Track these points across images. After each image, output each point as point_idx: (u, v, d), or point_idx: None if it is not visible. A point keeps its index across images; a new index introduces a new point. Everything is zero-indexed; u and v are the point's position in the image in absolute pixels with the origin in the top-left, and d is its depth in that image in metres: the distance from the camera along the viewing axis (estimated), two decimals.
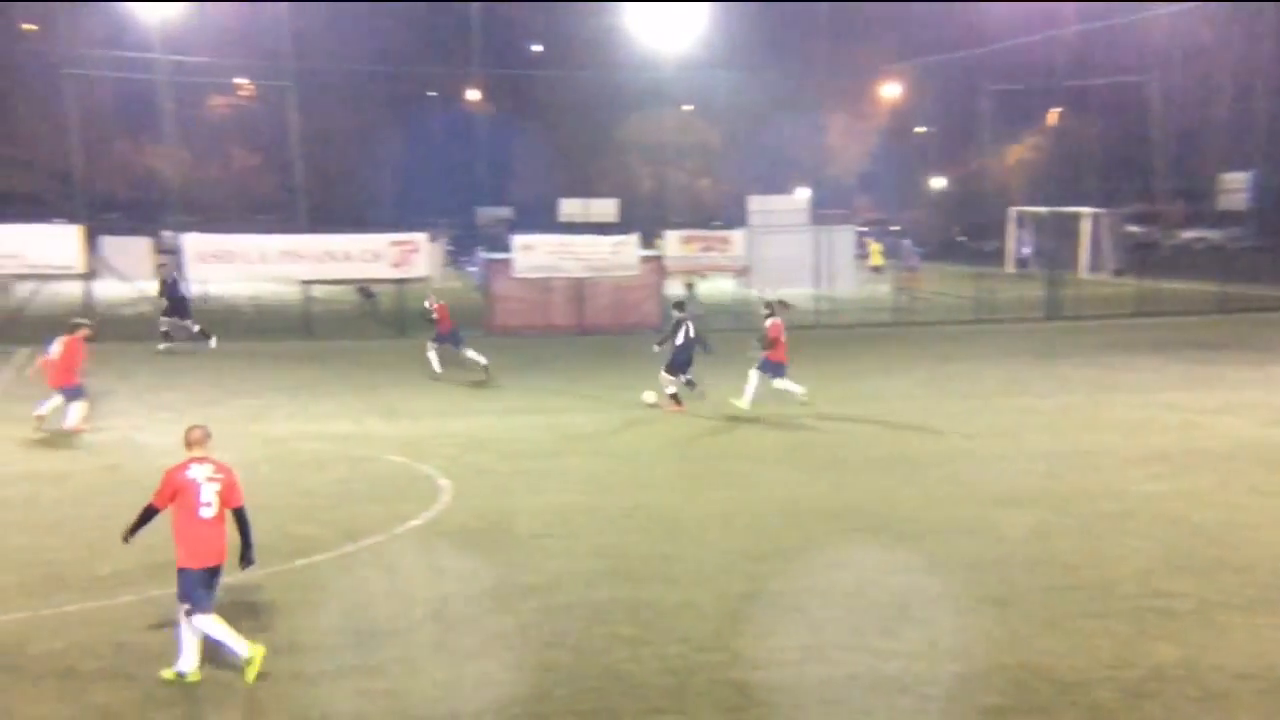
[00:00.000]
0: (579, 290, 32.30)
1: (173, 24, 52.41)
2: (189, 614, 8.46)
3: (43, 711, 8.08)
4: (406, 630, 9.54)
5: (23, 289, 36.65)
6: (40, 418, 17.33)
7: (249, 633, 8.99)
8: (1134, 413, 19.04)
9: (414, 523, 12.74)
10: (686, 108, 70.93)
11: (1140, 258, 44.97)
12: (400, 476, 14.97)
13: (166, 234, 38.10)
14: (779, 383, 19.49)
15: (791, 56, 67.19)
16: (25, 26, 59.84)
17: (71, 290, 32.78)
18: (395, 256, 32.18)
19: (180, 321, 27.84)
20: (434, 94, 73.27)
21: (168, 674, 8.54)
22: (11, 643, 9.23)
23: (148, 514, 8.65)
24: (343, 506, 13.45)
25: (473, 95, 74.49)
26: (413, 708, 8.19)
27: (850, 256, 42.50)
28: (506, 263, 32.64)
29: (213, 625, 8.51)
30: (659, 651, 9.04)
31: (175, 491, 8.50)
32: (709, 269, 45.22)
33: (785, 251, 38.72)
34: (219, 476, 8.64)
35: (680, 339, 19.56)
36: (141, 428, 18.12)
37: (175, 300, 28.11)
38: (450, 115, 73.32)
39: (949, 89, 68.00)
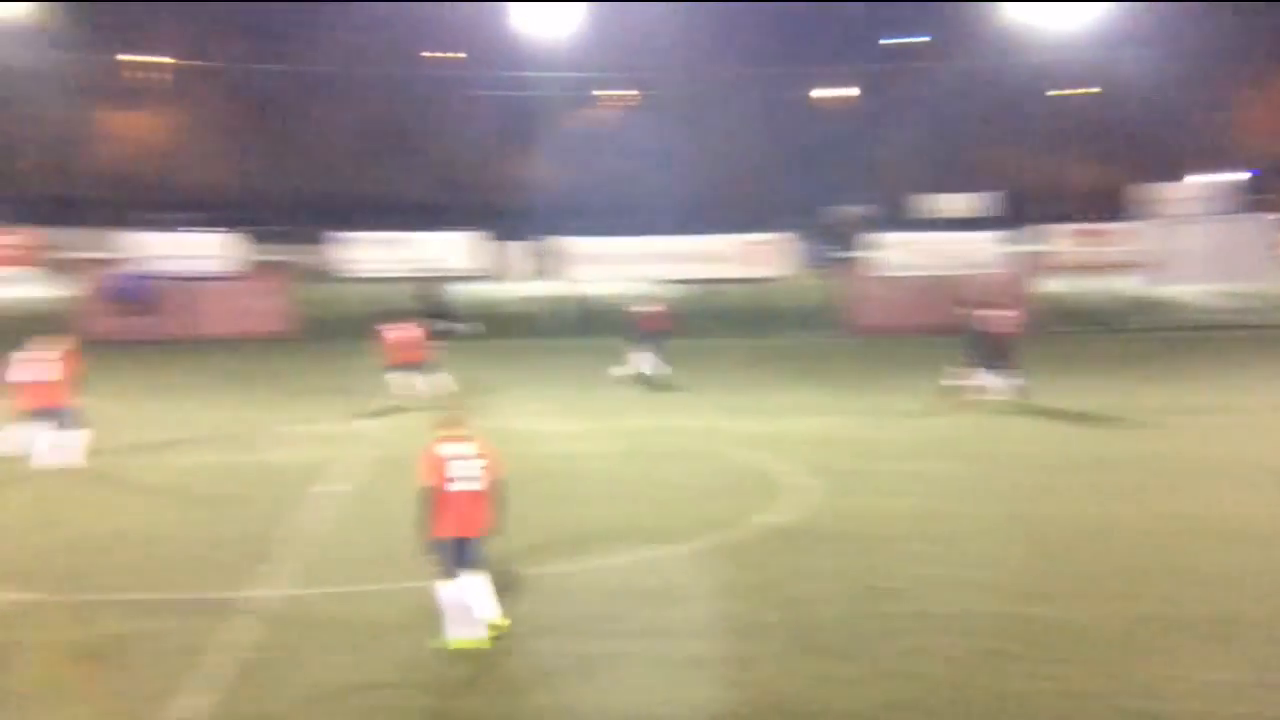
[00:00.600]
0: (943, 289, 31.19)
1: (553, 39, 56.19)
2: (445, 580, 8.96)
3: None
4: (767, 626, 9.57)
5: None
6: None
7: (601, 619, 9.34)
8: None
9: (769, 519, 12.81)
10: (1087, 90, 66.07)
11: None
12: (755, 472, 15.09)
13: (540, 239, 40.83)
14: None
15: (1197, 31, 60.99)
16: (434, 55, 66.43)
17: (469, 291, 35.82)
18: (752, 256, 32.57)
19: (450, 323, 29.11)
20: (794, 92, 73.28)
21: (438, 643, 9.01)
22: (419, 607, 10.06)
23: (425, 495, 9.09)
24: (698, 500, 13.70)
25: (834, 91, 73.92)
26: (785, 702, 8.18)
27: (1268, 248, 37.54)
28: (867, 261, 32.14)
29: (469, 591, 8.98)
30: (1043, 671, 8.51)
31: (432, 468, 8.98)
32: (1105, 265, 41.65)
33: (1197, 243, 34.28)
34: (476, 454, 9.06)
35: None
36: (528, 415, 19.41)
37: (439, 304, 29.70)
38: (810, 111, 73.19)
39: None
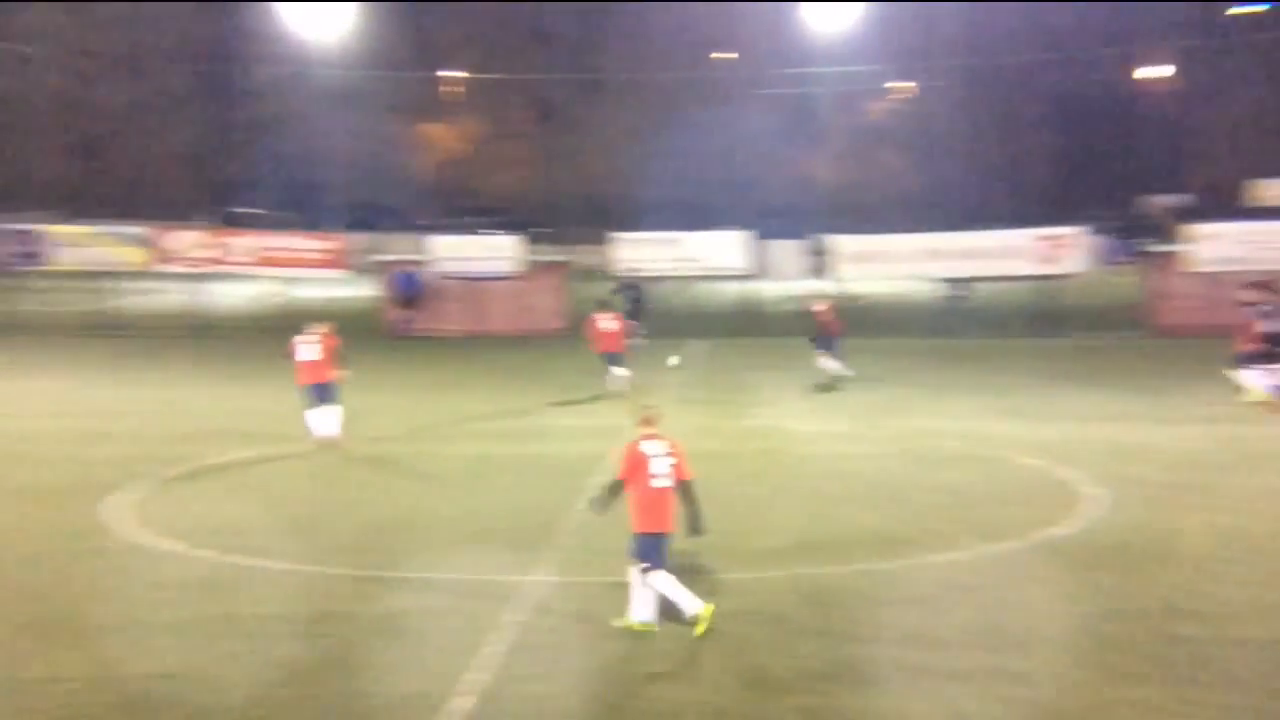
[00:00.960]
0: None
1: (836, 35, 55.39)
2: (645, 572, 9.07)
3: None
4: (1051, 641, 8.97)
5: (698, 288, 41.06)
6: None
7: (865, 623, 9.08)
8: None
9: (1057, 530, 12.00)
10: None
11: None
12: (1038, 480, 14.27)
13: (812, 238, 40.34)
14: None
15: None
16: (718, 56, 67.04)
17: (736, 289, 35.99)
18: (1044, 252, 30.84)
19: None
20: (1101, 76, 68.12)
21: (620, 622, 9.20)
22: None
23: (615, 488, 9.26)
24: (978, 506, 13.11)
25: (1149, 71, 68.22)
26: None
27: None
28: (1176, 255, 29.68)
29: (667, 583, 9.12)
30: None
31: (634, 465, 9.12)
32: None
33: None
34: (670, 452, 9.22)
35: None
36: (790, 415, 19.27)
37: (634, 305, 29.24)
38: (1119, 97, 68.03)
39: None
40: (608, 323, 21.55)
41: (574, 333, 30.33)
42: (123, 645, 9.02)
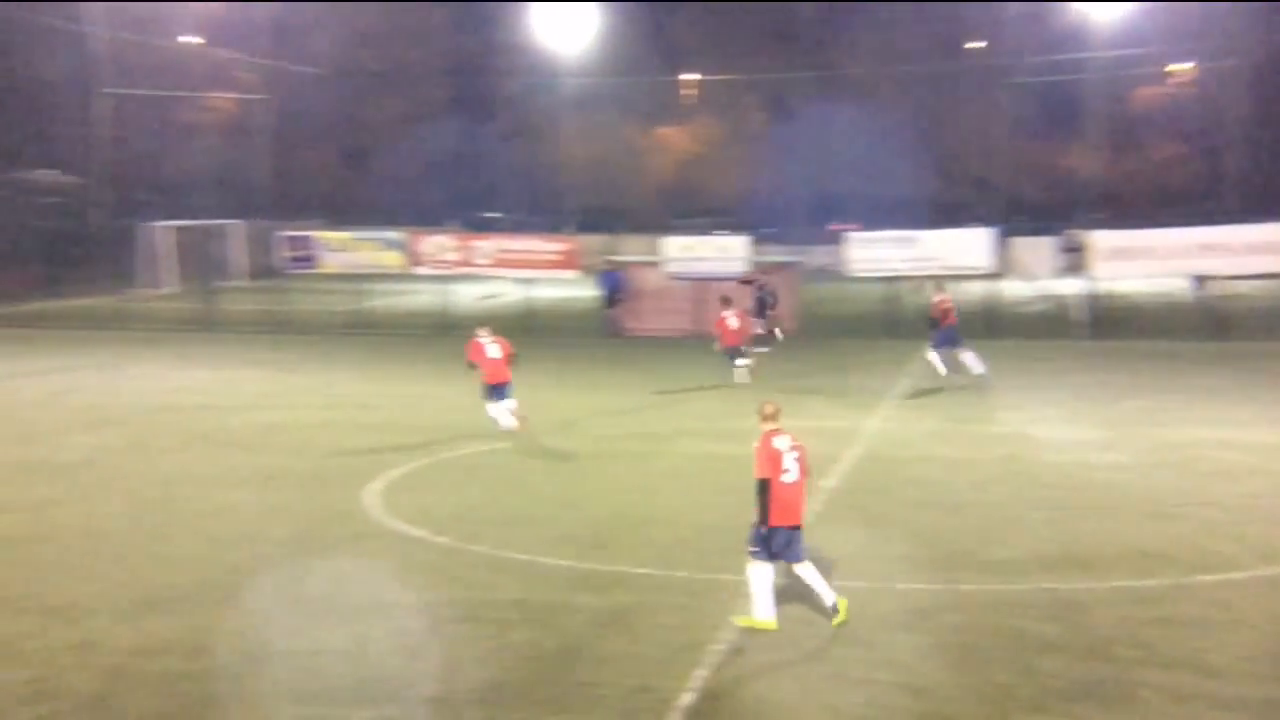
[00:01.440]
0: None
1: (1104, 21, 51.99)
2: (765, 565, 9.10)
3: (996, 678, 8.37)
4: None
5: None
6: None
7: (1123, 643, 8.32)
8: None
9: None
10: None
11: None
12: None
13: (1065, 233, 38.13)
14: None
15: None
16: (970, 45, 64.48)
17: (980, 289, 34.46)
18: None
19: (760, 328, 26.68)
20: None
21: (742, 620, 9.18)
22: (915, 609, 9.72)
23: (763, 489, 9.06)
24: (1257, 523, 11.91)
25: None
26: None
27: None
28: None
29: (811, 574, 9.26)
30: None
31: (772, 462, 9.10)
32: None
33: None
34: (797, 447, 9.29)
35: None
36: (1035, 421, 18.19)
37: (760, 305, 27.53)
38: None
39: None
40: (732, 319, 22.09)
41: (804, 334, 29.98)
42: (372, 623, 9.43)
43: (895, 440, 16.72)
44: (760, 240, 38.01)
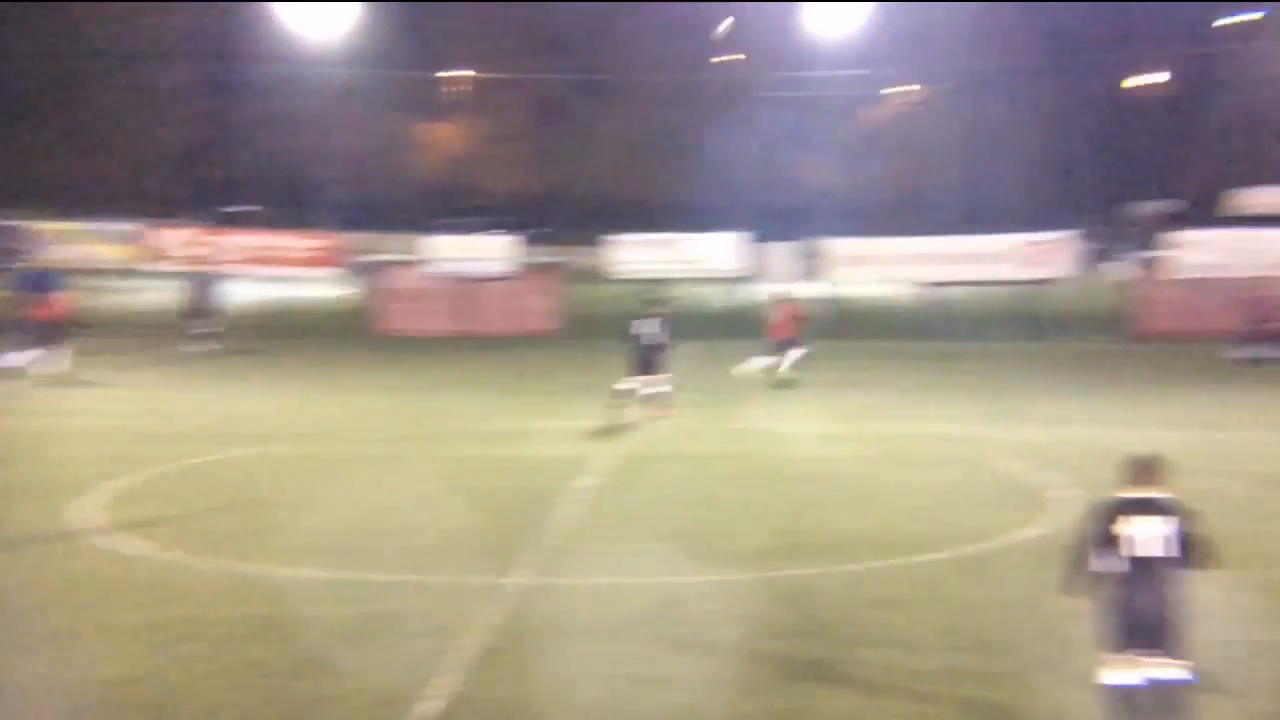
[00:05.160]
0: (1247, 292, 28.44)
1: (839, 38, 55.42)
2: None
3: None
4: (1020, 643, 9.08)
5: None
6: None
7: (840, 624, 9.15)
8: None
9: (1029, 532, 12.11)
10: None
11: None
12: (1017, 484, 14.38)
13: (806, 240, 40.48)
14: None
15: None
16: (718, 60, 66.95)
17: (727, 291, 35.99)
18: (1030, 256, 31.02)
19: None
20: (1097, 80, 67.98)
21: None
22: (662, 600, 10.18)
23: None
24: (954, 509, 13.19)
25: (1141, 79, 68.26)
26: None
27: None
28: (1163, 261, 29.85)
29: None
30: None
31: None
32: None
33: None
34: None
35: None
36: (772, 418, 19.21)
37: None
38: (1109, 102, 68.10)
39: None
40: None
41: (566, 335, 30.52)
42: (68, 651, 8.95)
43: (649, 438, 17.34)
44: (532, 241, 38.38)
